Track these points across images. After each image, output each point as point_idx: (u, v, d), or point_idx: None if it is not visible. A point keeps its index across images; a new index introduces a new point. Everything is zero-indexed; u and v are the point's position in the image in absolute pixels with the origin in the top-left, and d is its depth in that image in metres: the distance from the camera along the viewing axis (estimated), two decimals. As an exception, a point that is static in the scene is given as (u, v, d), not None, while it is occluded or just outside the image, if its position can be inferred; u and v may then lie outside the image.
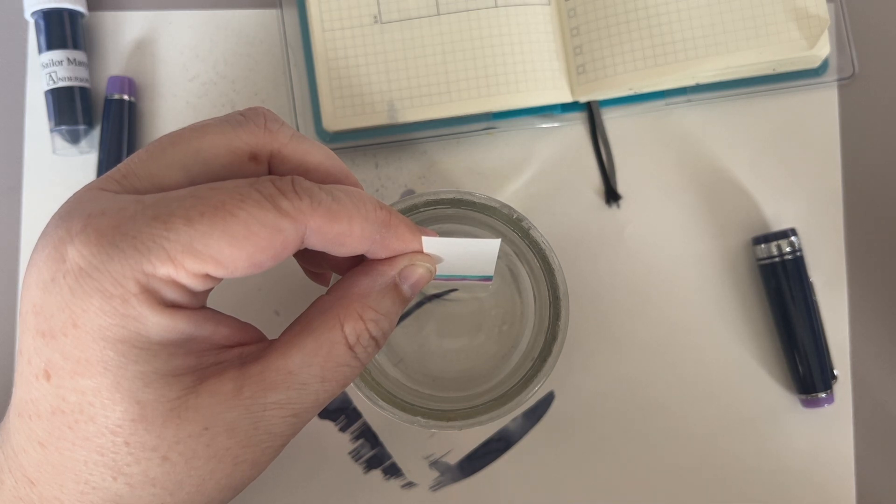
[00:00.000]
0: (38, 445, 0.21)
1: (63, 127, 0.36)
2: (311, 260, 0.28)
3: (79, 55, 0.37)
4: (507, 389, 0.30)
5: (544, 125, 0.38)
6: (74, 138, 0.36)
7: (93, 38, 0.38)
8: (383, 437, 0.36)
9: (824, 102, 0.38)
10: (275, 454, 0.23)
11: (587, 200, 0.38)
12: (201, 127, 0.23)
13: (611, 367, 0.37)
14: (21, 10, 0.37)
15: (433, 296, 0.35)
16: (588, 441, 0.36)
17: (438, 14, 0.36)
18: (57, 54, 0.36)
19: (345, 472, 0.36)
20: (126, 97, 0.37)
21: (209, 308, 0.22)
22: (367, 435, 0.36)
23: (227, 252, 0.20)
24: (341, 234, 0.22)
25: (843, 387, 0.37)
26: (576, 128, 0.38)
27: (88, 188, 0.22)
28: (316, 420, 0.36)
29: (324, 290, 0.25)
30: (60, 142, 0.36)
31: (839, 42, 0.38)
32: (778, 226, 0.37)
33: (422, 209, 0.30)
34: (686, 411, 0.37)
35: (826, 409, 0.37)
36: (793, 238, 0.36)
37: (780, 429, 0.37)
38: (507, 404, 0.30)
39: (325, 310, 0.23)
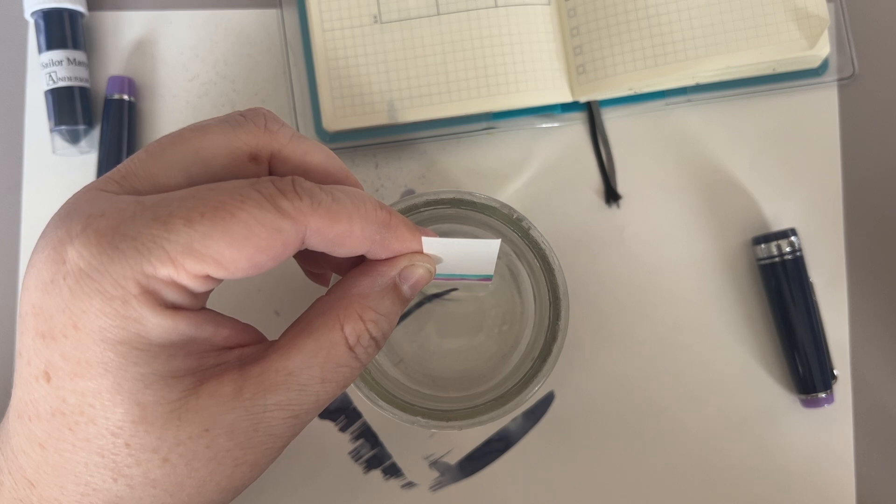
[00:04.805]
0: (38, 447, 0.21)
1: (63, 127, 0.36)
2: (311, 260, 0.28)
3: (79, 55, 0.36)
4: (507, 389, 0.30)
5: (544, 125, 0.38)
6: (74, 138, 0.36)
7: (93, 38, 0.38)
8: (383, 437, 0.36)
9: (824, 102, 0.38)
10: (275, 455, 0.23)
11: (587, 200, 0.38)
12: (201, 127, 0.23)
13: (610, 367, 0.37)
14: (21, 10, 0.37)
15: (433, 296, 0.35)
16: (588, 441, 0.36)
17: (438, 14, 0.36)
18: (57, 54, 0.36)
19: (345, 472, 0.36)
20: (126, 97, 0.37)
21: (209, 309, 0.22)
22: (367, 435, 0.36)
23: (227, 253, 0.20)
24: (341, 235, 0.22)
25: (843, 387, 0.37)
26: (576, 128, 0.38)
27: (88, 189, 0.22)
28: (316, 420, 0.36)
29: (324, 290, 0.25)
30: (60, 142, 0.36)
31: (839, 42, 0.38)
32: (778, 226, 0.37)
33: (422, 209, 0.30)
34: (686, 411, 0.37)
35: (826, 409, 0.37)
36: (793, 238, 0.36)
37: (780, 429, 0.37)
38: (507, 404, 0.29)
39: (325, 310, 0.23)
